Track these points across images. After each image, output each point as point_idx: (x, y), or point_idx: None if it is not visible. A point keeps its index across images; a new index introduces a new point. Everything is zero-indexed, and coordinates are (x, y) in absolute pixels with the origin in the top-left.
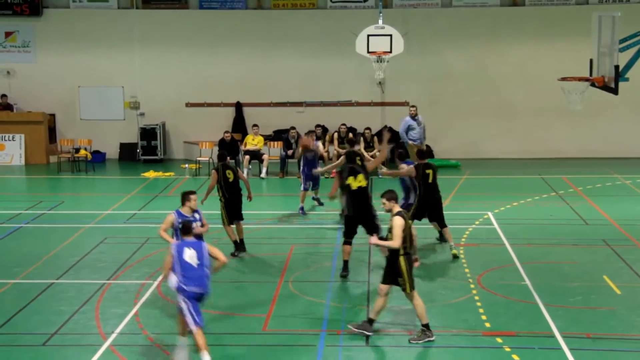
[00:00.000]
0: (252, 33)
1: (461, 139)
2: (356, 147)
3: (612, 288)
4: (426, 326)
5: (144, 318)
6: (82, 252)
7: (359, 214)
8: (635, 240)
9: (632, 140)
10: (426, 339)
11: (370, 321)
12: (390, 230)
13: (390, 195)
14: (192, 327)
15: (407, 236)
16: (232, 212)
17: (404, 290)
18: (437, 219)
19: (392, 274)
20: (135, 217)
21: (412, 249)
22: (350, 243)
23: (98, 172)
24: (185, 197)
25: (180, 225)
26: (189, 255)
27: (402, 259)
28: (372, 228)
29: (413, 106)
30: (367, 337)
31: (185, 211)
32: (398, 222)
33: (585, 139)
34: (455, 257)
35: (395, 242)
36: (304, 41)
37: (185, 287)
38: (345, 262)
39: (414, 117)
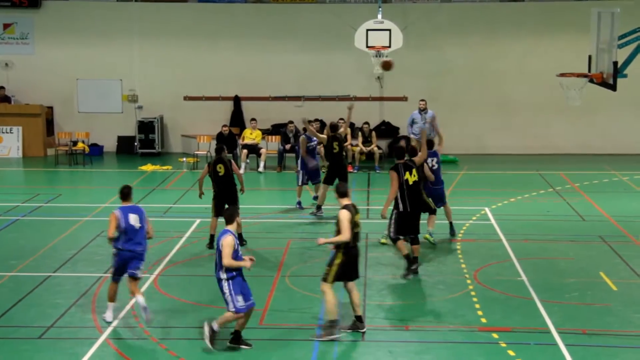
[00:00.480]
0: (251, 27)
1: (460, 135)
2: (340, 131)
3: (608, 284)
4: (333, 323)
5: (140, 311)
6: (79, 245)
7: (415, 210)
8: (632, 236)
9: (630, 137)
10: (332, 337)
11: (359, 318)
12: (337, 224)
13: (338, 189)
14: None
15: (354, 229)
16: (220, 206)
17: (323, 279)
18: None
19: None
20: None
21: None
22: (400, 239)
23: (95, 165)
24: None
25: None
26: (133, 218)
27: (340, 253)
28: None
29: (422, 100)
30: (363, 333)
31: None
32: (344, 216)
33: (583, 135)
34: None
35: (344, 236)
36: (302, 35)
37: (121, 248)
38: (407, 256)
39: (421, 110)
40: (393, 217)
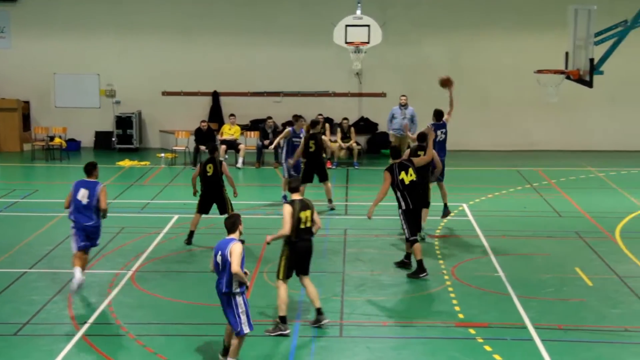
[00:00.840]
0: (230, 22)
1: None
2: (319, 128)
3: (584, 280)
4: (282, 319)
5: (117, 308)
6: (55, 241)
7: (417, 206)
8: (608, 232)
9: (606, 133)
10: (279, 332)
11: (318, 310)
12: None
13: (289, 184)
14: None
15: (296, 224)
16: (204, 204)
17: (276, 275)
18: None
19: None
20: (110, 206)
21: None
22: (417, 240)
23: (73, 160)
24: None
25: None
26: (82, 193)
27: (285, 247)
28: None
29: (403, 95)
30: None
31: None
32: (286, 210)
33: (560, 131)
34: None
35: (284, 230)
36: (282, 31)
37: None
38: (420, 262)
39: (401, 106)
40: (401, 217)
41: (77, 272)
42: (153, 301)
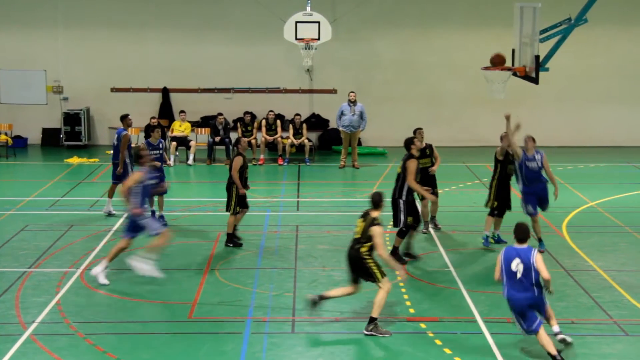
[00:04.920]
0: (180, 17)
1: (388, 127)
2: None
3: None
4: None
5: (66, 307)
6: (2, 240)
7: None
8: (555, 227)
9: (552, 129)
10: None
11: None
12: None
13: (372, 198)
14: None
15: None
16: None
17: None
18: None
19: None
20: (58, 203)
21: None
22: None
23: (19, 157)
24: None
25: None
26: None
27: None
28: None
29: (352, 92)
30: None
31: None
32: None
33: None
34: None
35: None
36: (232, 27)
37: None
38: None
39: (350, 102)
40: (402, 208)
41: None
42: (102, 299)
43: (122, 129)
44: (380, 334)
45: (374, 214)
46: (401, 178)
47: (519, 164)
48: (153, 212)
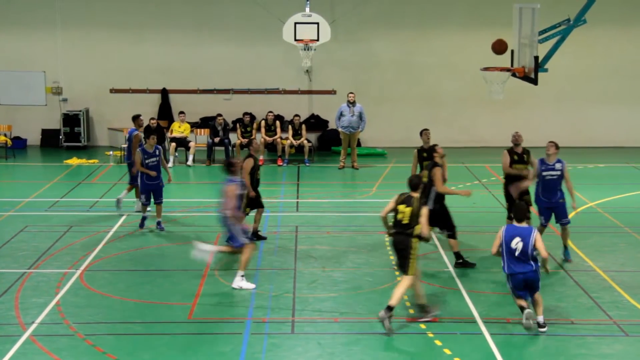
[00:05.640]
0: (179, 18)
1: (387, 128)
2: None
3: None
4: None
5: (65, 307)
6: (1, 241)
7: None
8: (554, 227)
9: (550, 130)
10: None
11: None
12: None
13: (410, 181)
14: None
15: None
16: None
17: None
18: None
19: None
20: (58, 204)
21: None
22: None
23: (19, 158)
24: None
25: None
26: None
27: None
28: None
29: (351, 92)
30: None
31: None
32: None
33: (507, 128)
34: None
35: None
36: (231, 28)
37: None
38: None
39: (349, 103)
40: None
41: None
42: (102, 300)
43: (133, 129)
44: (387, 329)
45: (416, 194)
46: (427, 187)
47: (537, 173)
48: (144, 219)
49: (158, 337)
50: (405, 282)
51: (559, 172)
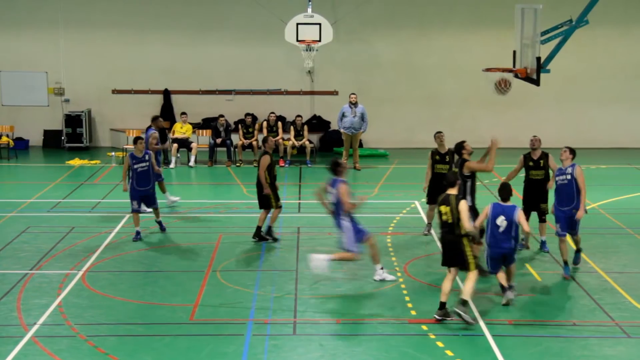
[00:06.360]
0: (181, 19)
1: (389, 129)
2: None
3: (533, 275)
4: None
5: (67, 308)
6: (3, 242)
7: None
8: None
9: (553, 130)
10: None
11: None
12: None
13: (447, 179)
14: None
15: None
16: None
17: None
18: None
19: None
20: (60, 205)
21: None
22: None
23: (21, 159)
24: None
25: None
26: None
27: None
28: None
29: (353, 94)
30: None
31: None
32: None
33: (508, 128)
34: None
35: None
36: (233, 28)
37: None
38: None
39: (351, 104)
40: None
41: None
42: (104, 301)
43: (151, 128)
44: (466, 322)
45: (453, 191)
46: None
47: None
48: (138, 234)
49: (160, 338)
50: (471, 277)
51: (569, 177)
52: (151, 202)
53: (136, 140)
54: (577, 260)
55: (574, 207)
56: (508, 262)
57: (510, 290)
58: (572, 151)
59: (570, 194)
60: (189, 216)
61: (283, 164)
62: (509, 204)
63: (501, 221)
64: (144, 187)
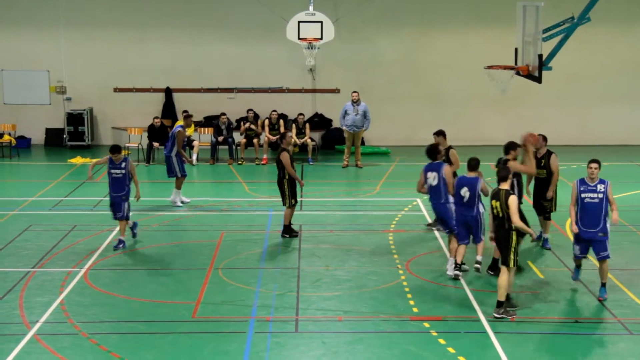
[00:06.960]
0: (183, 17)
1: (391, 126)
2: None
3: (535, 272)
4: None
5: (69, 306)
6: (6, 240)
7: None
8: (558, 225)
9: (555, 128)
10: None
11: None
12: None
13: (498, 173)
14: None
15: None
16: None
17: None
18: None
19: None
20: (62, 204)
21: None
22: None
23: (23, 157)
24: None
25: None
26: None
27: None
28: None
29: (355, 92)
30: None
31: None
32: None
33: (510, 126)
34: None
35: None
36: (234, 26)
37: None
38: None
39: (353, 102)
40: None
41: None
42: (106, 299)
43: (180, 125)
44: (510, 316)
45: (505, 186)
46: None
47: (575, 196)
48: (133, 228)
49: (162, 336)
50: (507, 272)
51: (601, 195)
52: (116, 209)
53: (114, 150)
54: (604, 294)
55: (600, 230)
56: (471, 232)
57: (457, 269)
58: (599, 163)
59: (598, 214)
60: (191, 214)
61: None
62: (473, 175)
63: (465, 192)
64: (116, 194)
